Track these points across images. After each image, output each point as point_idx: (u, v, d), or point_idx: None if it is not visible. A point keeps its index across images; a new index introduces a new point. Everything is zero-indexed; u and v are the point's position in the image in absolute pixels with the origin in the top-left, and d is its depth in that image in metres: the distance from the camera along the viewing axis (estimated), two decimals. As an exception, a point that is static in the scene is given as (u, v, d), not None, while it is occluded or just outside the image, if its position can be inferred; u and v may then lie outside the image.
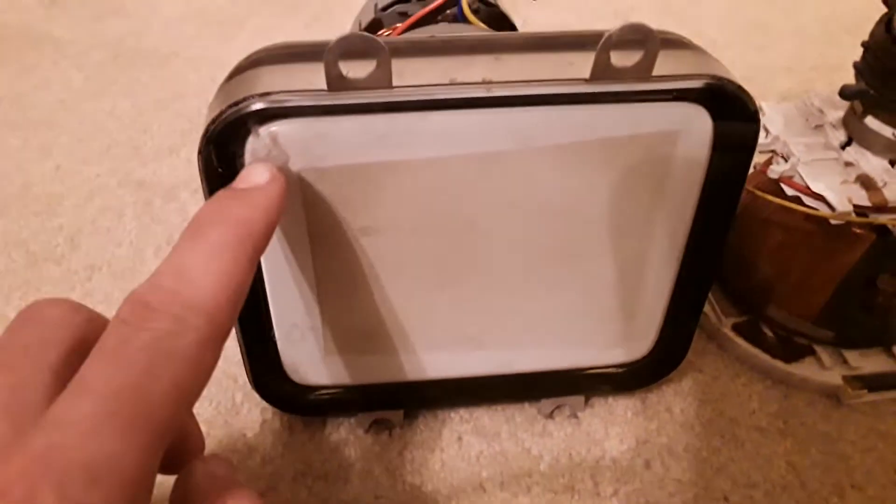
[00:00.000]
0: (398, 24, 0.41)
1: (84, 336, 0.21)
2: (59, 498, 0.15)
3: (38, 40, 0.68)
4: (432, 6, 0.40)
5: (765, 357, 0.38)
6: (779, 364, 0.37)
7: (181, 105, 0.58)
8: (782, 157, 0.35)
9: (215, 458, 0.22)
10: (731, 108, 0.26)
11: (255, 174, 0.24)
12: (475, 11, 0.41)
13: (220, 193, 0.24)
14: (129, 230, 0.47)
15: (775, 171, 0.34)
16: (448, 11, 0.40)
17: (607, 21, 0.70)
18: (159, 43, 0.67)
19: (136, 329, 0.18)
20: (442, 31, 0.38)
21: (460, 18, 0.40)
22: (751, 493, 0.33)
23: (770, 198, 0.34)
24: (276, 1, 0.75)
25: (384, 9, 0.44)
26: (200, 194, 0.50)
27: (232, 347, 0.40)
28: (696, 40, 0.28)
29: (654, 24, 0.24)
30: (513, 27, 0.44)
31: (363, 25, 0.44)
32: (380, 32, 0.42)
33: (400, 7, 0.43)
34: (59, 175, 0.51)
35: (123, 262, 0.44)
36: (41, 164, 0.52)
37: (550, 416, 0.36)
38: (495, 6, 0.45)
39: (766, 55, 0.64)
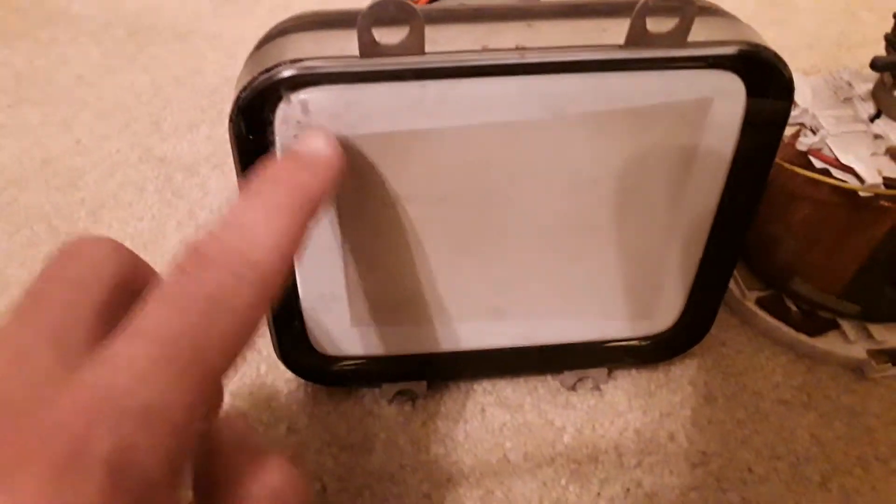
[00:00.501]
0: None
1: (127, 277, 0.21)
2: (113, 438, 0.15)
3: (54, 16, 0.68)
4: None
5: (788, 331, 0.38)
6: (803, 338, 0.37)
7: (200, 81, 0.58)
8: (811, 129, 0.35)
9: (240, 418, 0.22)
10: (765, 76, 0.26)
11: (316, 142, 0.24)
12: (500, -18, 0.40)
13: (282, 157, 0.24)
14: (150, 204, 0.47)
15: (804, 143, 0.34)
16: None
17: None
18: (176, 20, 0.67)
19: (195, 279, 0.18)
20: None
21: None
22: (775, 465, 0.34)
23: (798, 170, 0.34)
24: (291, -22, 0.75)
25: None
26: (221, 170, 0.50)
27: (256, 319, 0.40)
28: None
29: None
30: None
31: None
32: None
33: (424, -22, 0.43)
34: (80, 150, 0.51)
35: (146, 235, 0.45)
36: (61, 139, 0.52)
37: (573, 388, 0.36)
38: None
39: (786, 32, 0.63)
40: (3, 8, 0.69)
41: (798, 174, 0.34)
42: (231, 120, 0.26)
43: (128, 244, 0.45)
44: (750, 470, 0.33)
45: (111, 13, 0.68)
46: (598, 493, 0.32)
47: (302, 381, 0.36)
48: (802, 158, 0.34)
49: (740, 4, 0.67)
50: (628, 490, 0.32)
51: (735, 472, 0.33)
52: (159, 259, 0.43)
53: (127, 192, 0.48)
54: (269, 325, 0.33)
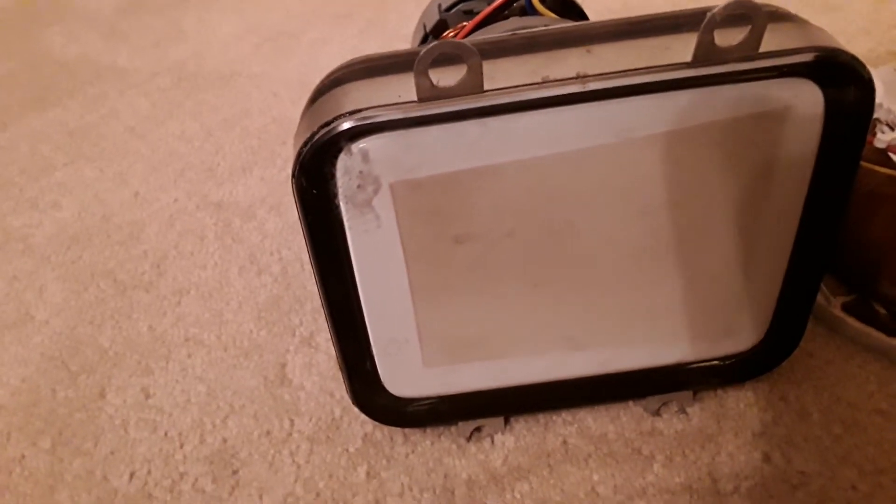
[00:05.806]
0: (465, 23, 0.40)
1: None
2: None
3: (101, 71, 0.69)
4: (499, 1, 0.39)
5: (879, 336, 0.36)
6: (895, 342, 0.35)
7: (248, 122, 0.59)
8: (887, 124, 0.33)
9: None
10: (843, 80, 0.25)
11: None
12: (543, 1, 0.40)
13: None
14: (211, 252, 0.47)
15: (882, 140, 0.32)
16: (515, 4, 0.39)
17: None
18: (219, 63, 0.68)
19: None
20: (513, 26, 0.37)
21: (529, 10, 0.39)
22: (880, 480, 0.32)
23: (878, 168, 0.32)
24: (326, 12, 0.75)
25: (448, 9, 0.43)
26: (277, 211, 0.50)
27: (327, 363, 0.40)
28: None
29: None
30: (582, 13, 0.43)
31: (428, 28, 0.43)
32: (445, 34, 0.42)
33: (464, 5, 0.42)
34: (139, 202, 0.52)
35: (210, 283, 0.45)
36: (119, 193, 0.53)
37: (657, 413, 0.35)
38: (561, -7, 0.43)
39: (840, 18, 0.61)
40: (53, 67, 0.71)
41: (878, 172, 0.32)
42: (293, 176, 0.25)
43: (193, 294, 0.45)
44: (854, 487, 0.32)
45: (156, 64, 0.69)
46: (695, 524, 0.31)
47: (378, 423, 0.36)
48: (881, 155, 0.33)
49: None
50: (727, 518, 0.31)
51: (838, 490, 0.32)
52: (224, 307, 0.44)
53: (188, 242, 0.48)
54: (341, 369, 0.32)
